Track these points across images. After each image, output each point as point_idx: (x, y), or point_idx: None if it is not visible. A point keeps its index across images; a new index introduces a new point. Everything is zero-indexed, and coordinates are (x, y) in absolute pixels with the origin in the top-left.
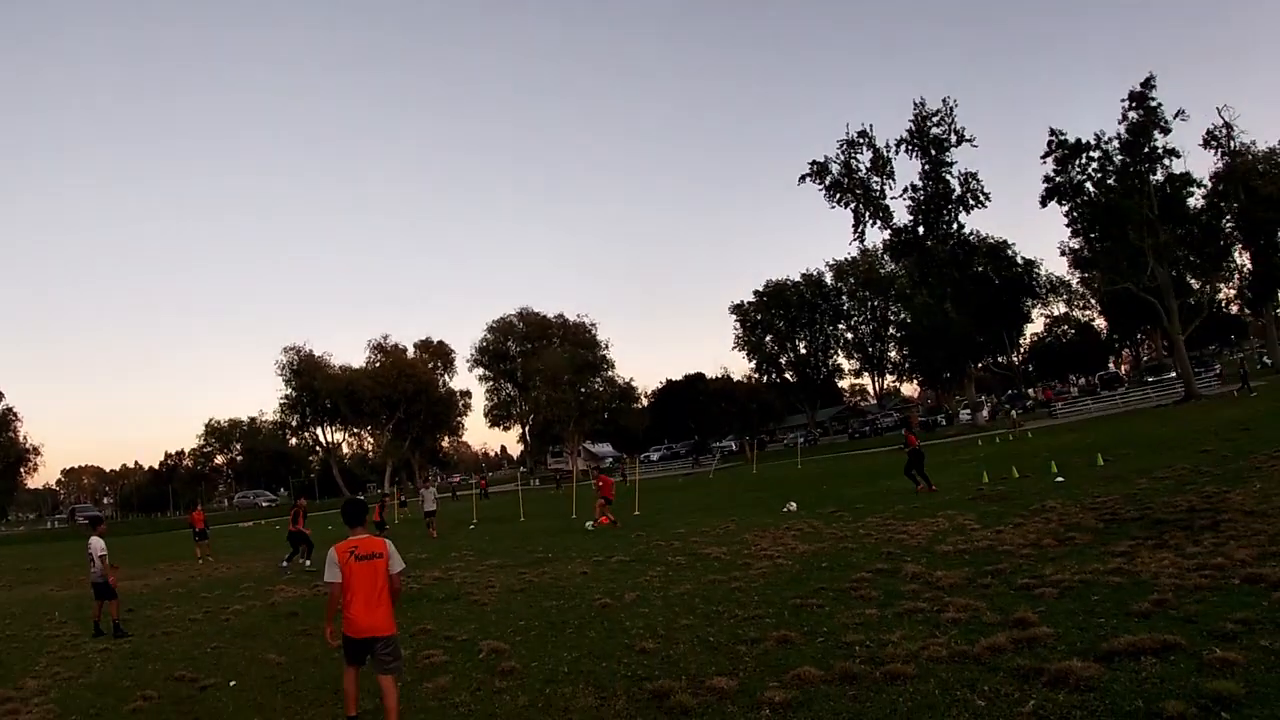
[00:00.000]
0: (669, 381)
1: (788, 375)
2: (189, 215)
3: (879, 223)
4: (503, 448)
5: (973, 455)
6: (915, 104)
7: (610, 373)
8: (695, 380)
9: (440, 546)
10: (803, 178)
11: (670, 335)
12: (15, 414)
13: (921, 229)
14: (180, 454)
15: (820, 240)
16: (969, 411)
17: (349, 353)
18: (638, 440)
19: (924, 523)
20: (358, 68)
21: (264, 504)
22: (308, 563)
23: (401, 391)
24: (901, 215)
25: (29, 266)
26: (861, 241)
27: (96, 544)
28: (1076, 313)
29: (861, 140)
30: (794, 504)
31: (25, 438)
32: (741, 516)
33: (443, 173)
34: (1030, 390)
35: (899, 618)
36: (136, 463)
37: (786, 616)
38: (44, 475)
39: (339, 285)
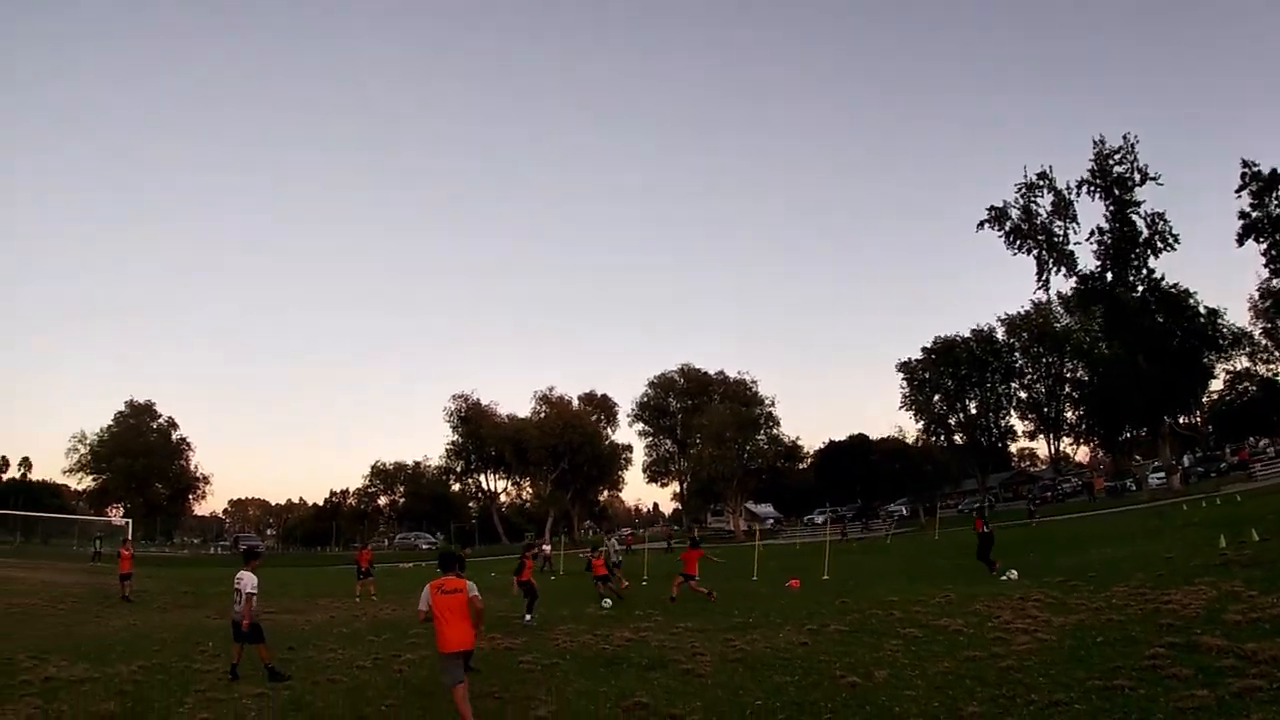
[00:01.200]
0: (832, 442)
1: (957, 437)
2: (370, 261)
3: (1063, 270)
4: (655, 505)
5: (1184, 519)
6: (1095, 142)
7: (775, 430)
8: (859, 441)
9: (621, 604)
10: (981, 224)
11: (832, 394)
12: (188, 444)
13: (1110, 275)
14: (345, 492)
15: (991, 294)
16: (1161, 475)
17: (514, 402)
18: (800, 501)
19: (1186, 591)
20: (530, 123)
21: (424, 546)
22: (529, 618)
23: (567, 442)
24: (1086, 261)
25: (216, 317)
26: (1046, 290)
27: (247, 580)
28: (1260, 367)
29: (1041, 183)
30: (1014, 572)
31: (196, 467)
32: (956, 585)
33: (606, 232)
34: (1222, 450)
35: (1238, 699)
36: (300, 498)
37: (1095, 700)
38: (211, 503)
39: (505, 336)
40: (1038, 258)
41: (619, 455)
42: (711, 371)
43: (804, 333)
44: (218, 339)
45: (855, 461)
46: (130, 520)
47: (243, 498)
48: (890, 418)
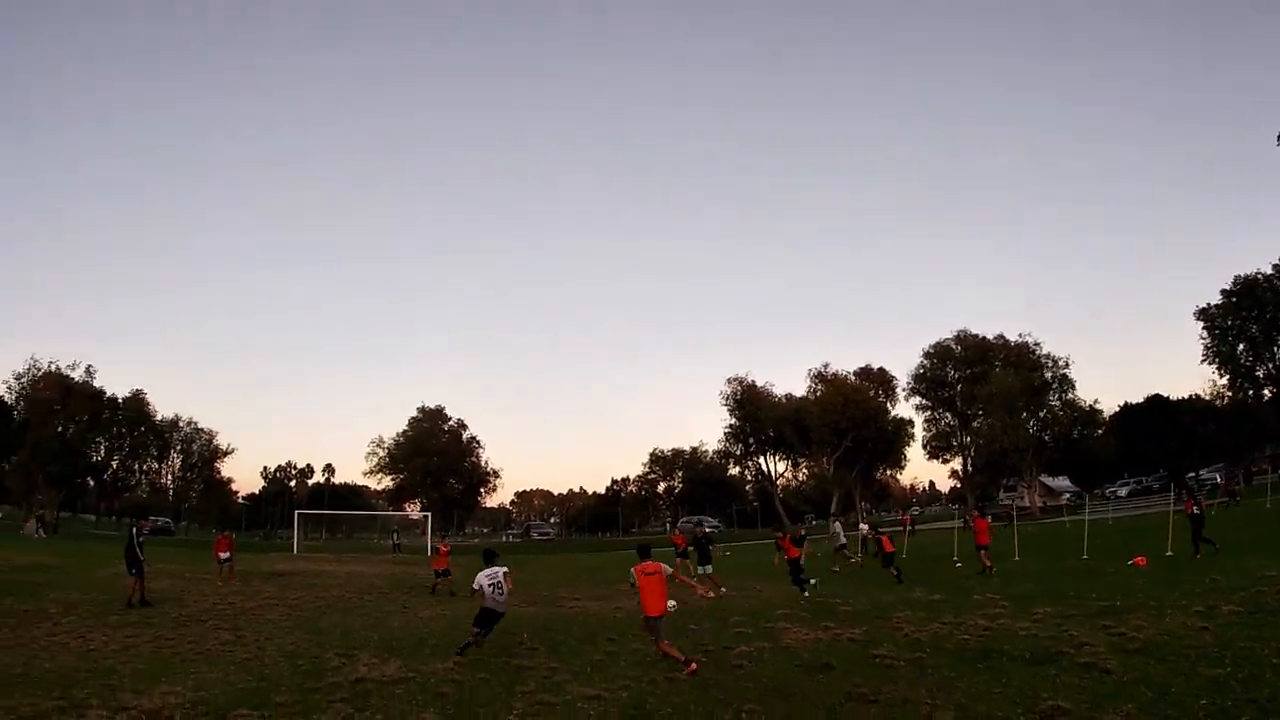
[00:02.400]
0: (1128, 404)
1: (1266, 391)
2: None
3: None
4: (931, 483)
5: None
6: None
7: (1070, 394)
8: (1158, 402)
9: (950, 589)
10: None
11: (1119, 353)
12: (479, 442)
13: None
14: (625, 480)
15: None
16: None
17: (788, 382)
18: (1098, 472)
19: None
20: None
21: (707, 529)
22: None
23: (849, 419)
24: None
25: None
26: None
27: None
28: None
29: None
30: None
31: (487, 462)
32: None
33: (871, 198)
34: None
35: None
36: (581, 488)
37: None
38: (499, 496)
39: (773, 316)
40: None
41: (903, 430)
42: (990, 336)
43: (1084, 287)
44: (495, 347)
45: (1159, 425)
46: (429, 514)
47: (528, 489)
48: (1188, 374)
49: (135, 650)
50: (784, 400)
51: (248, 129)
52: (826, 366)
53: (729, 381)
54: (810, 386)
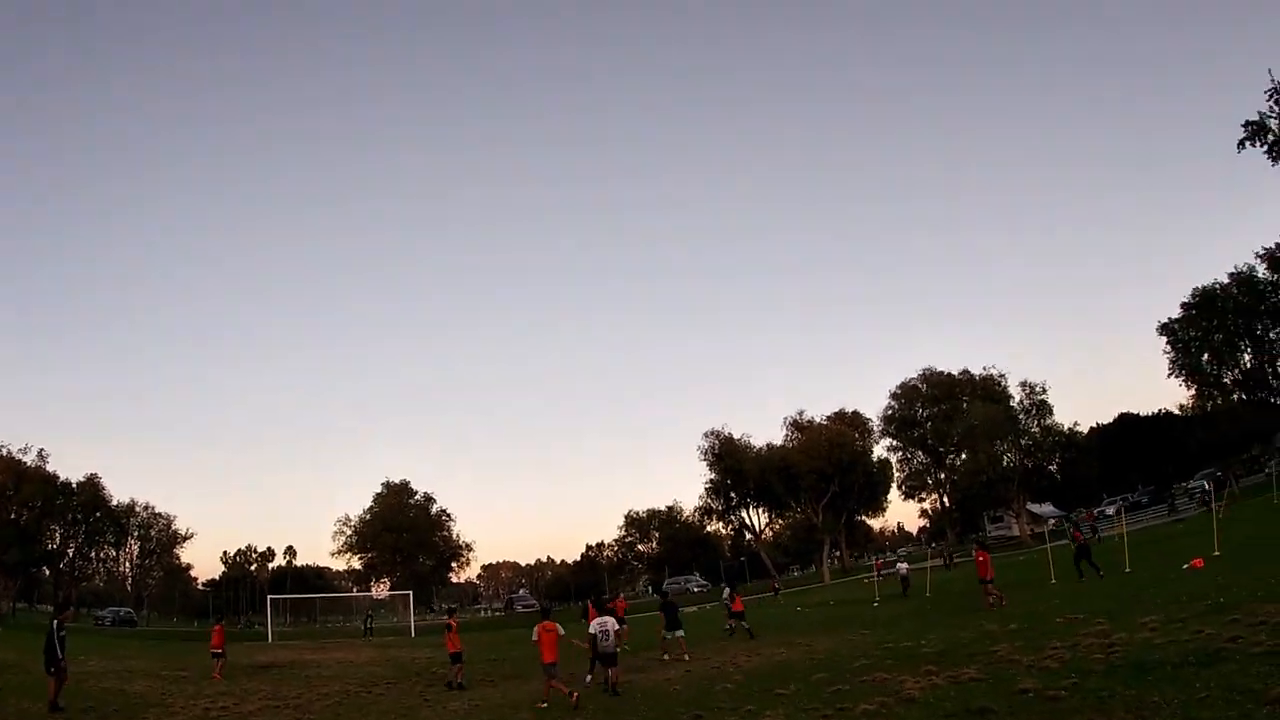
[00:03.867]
0: (1098, 425)
1: (1236, 397)
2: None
3: None
4: (899, 525)
5: None
6: None
7: (1050, 419)
8: (1127, 420)
9: (1017, 617)
10: (1241, 143)
11: (1089, 375)
12: (449, 514)
13: None
14: (600, 545)
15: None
16: None
17: (764, 433)
18: (1079, 495)
19: None
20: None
21: (694, 590)
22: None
23: (835, 464)
24: None
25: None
26: None
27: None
28: None
29: None
30: None
31: (458, 535)
32: None
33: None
34: None
35: None
36: (549, 557)
37: None
38: (464, 571)
39: (740, 368)
40: None
41: (887, 472)
42: (956, 372)
43: (1047, 313)
44: (453, 419)
45: (1137, 441)
46: (410, 592)
47: (494, 562)
48: (1159, 389)
49: None
50: (764, 450)
51: (200, 203)
52: (802, 414)
53: (706, 435)
54: (788, 435)
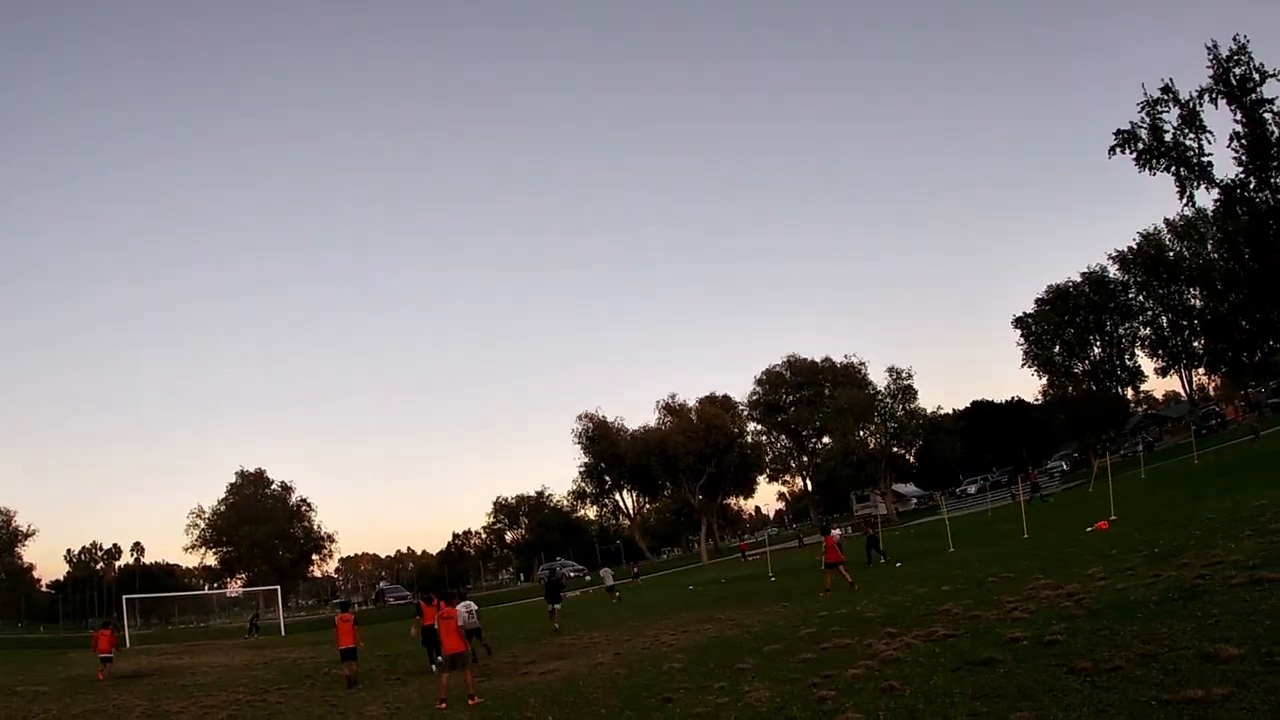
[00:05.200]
0: (955, 411)
1: (1085, 386)
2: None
3: (1202, 184)
4: (757, 508)
5: None
6: (1208, 48)
7: (914, 404)
8: (982, 406)
9: (948, 579)
10: (1113, 149)
11: (944, 364)
12: (309, 504)
13: (1253, 182)
14: (467, 534)
15: (1100, 230)
16: None
17: (636, 416)
18: (941, 477)
19: None
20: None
21: (570, 575)
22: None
23: (713, 445)
24: (1226, 171)
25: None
26: (1191, 205)
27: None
28: None
29: (1166, 96)
30: None
31: (320, 526)
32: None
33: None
34: None
35: None
36: (410, 548)
37: None
38: (322, 564)
39: (608, 351)
40: (1176, 175)
41: (761, 454)
42: (818, 359)
43: (910, 304)
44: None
45: (999, 426)
46: (279, 587)
47: (352, 554)
48: (1011, 378)
49: None
50: (639, 433)
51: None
52: (674, 397)
53: (579, 418)
54: (660, 417)
